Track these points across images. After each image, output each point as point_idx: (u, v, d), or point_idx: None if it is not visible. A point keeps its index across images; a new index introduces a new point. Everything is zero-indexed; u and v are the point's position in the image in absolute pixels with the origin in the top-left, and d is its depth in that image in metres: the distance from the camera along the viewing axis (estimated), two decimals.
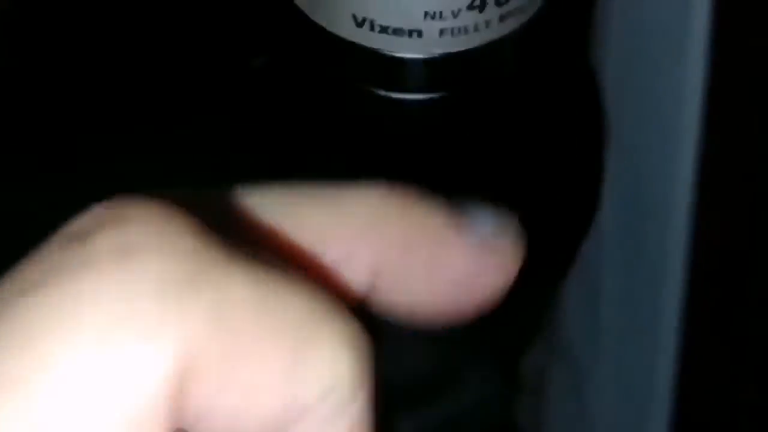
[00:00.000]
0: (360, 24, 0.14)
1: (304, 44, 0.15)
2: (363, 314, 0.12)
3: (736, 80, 0.34)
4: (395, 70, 0.15)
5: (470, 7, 0.13)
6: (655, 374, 0.40)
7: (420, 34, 0.14)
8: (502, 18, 0.14)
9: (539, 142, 0.22)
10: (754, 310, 0.38)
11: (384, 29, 0.14)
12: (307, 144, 0.19)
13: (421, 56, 0.14)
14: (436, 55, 0.14)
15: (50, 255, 0.11)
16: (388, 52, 0.14)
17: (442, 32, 0.14)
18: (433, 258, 0.13)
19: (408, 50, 0.14)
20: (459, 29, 0.14)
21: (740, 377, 0.39)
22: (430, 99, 0.15)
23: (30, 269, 0.11)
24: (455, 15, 0.14)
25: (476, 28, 0.14)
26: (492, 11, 0.14)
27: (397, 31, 0.14)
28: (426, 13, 0.14)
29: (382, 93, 0.15)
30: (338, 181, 0.13)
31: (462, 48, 0.14)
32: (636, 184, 0.38)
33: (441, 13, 0.14)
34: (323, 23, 0.14)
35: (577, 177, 0.25)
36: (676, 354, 0.40)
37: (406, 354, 0.21)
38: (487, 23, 0.14)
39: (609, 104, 0.35)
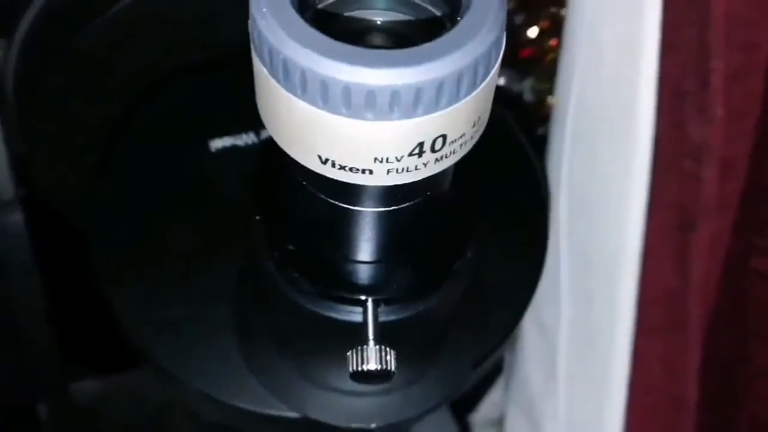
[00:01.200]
0: (324, 162, 0.18)
1: (286, 166, 0.19)
2: None
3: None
4: (350, 191, 0.19)
5: (410, 154, 0.17)
6: (605, 420, 0.43)
7: (371, 171, 0.18)
8: (437, 160, 0.18)
9: (484, 227, 0.26)
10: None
11: (342, 167, 0.18)
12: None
13: (371, 184, 0.18)
14: (387, 185, 0.18)
15: None
16: (345, 181, 0.18)
17: (388, 171, 0.17)
18: None
19: (361, 182, 0.18)
20: (402, 169, 0.17)
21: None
22: (383, 211, 0.19)
23: None
24: (398, 159, 0.17)
25: (416, 168, 0.17)
26: (428, 156, 0.17)
27: (353, 169, 0.18)
28: (375, 158, 0.17)
29: (344, 205, 0.19)
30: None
31: (404, 182, 0.18)
32: (589, 247, 0.42)
33: (387, 158, 0.17)
34: (298, 158, 0.18)
35: (520, 241, 0.29)
36: (626, 403, 0.42)
37: None
38: (425, 164, 0.17)
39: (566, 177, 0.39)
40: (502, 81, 0.52)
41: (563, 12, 0.47)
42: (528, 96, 0.53)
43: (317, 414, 0.26)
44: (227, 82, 0.34)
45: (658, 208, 0.38)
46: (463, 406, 0.52)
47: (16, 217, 0.46)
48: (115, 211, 0.33)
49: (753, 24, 0.35)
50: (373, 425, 0.26)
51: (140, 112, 0.35)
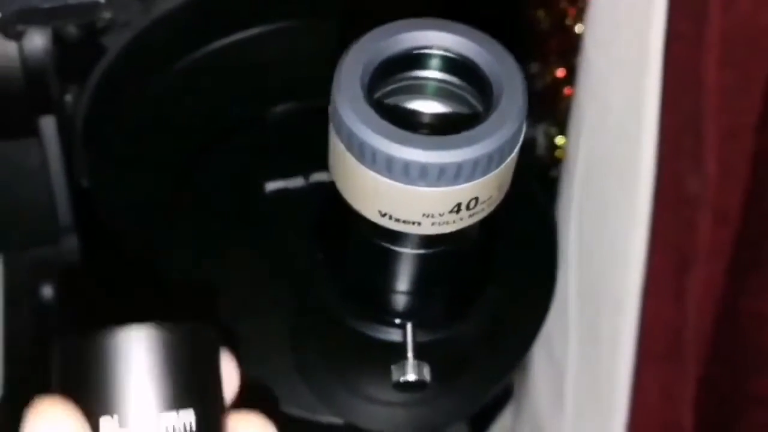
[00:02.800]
0: (383, 215, 0.23)
1: (347, 215, 0.24)
2: None
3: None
4: (399, 236, 0.24)
5: (450, 212, 0.22)
6: None
7: (419, 224, 0.23)
8: (470, 216, 0.22)
9: (504, 265, 0.31)
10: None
11: (397, 219, 0.23)
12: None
13: (418, 233, 0.23)
14: (430, 234, 0.22)
15: None
16: (398, 230, 0.23)
17: (432, 223, 0.22)
18: None
19: (410, 231, 0.23)
20: (442, 222, 0.22)
21: None
22: (424, 253, 0.24)
23: None
24: (441, 215, 0.22)
25: (454, 221, 0.22)
26: (464, 213, 0.22)
27: (405, 221, 0.23)
28: (423, 214, 0.22)
29: (395, 248, 0.24)
30: None
31: (443, 232, 0.22)
32: (595, 283, 0.46)
33: (432, 214, 0.22)
34: (362, 211, 0.23)
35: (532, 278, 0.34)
36: (626, 427, 0.46)
37: None
38: (461, 219, 0.22)
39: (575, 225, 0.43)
40: None
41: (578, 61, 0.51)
42: (541, 140, 0.57)
43: (358, 421, 0.31)
44: (281, 131, 0.39)
45: (658, 251, 0.42)
46: (476, 429, 0.55)
47: (72, 243, 0.51)
48: (187, 240, 0.38)
49: (742, 89, 0.39)
50: None
51: (204, 153, 0.40)
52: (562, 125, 0.53)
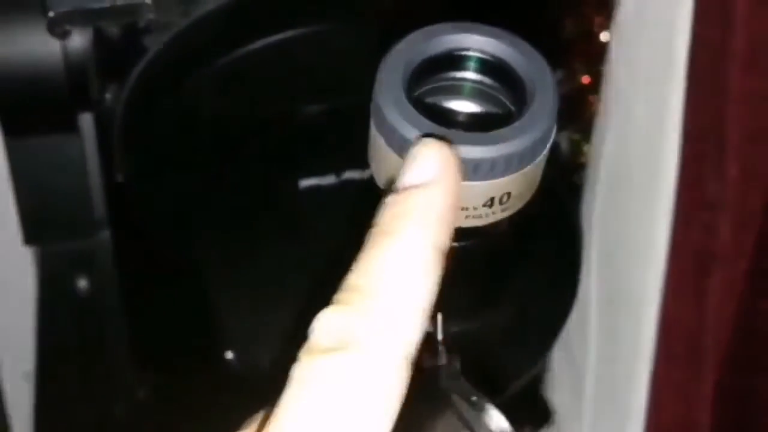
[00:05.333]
0: None
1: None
2: None
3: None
4: None
5: (483, 205, 0.23)
6: None
7: None
8: (502, 210, 0.23)
9: (530, 263, 0.32)
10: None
11: None
12: None
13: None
14: (463, 227, 0.24)
15: None
16: None
17: (466, 216, 0.23)
18: None
19: None
20: (477, 215, 0.23)
21: None
22: (456, 246, 0.25)
23: None
24: (475, 209, 0.23)
25: (487, 215, 0.23)
26: (496, 207, 0.23)
27: None
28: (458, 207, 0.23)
29: None
30: None
31: (479, 225, 0.24)
32: (616, 285, 0.46)
33: (467, 207, 0.23)
34: None
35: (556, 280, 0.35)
36: (644, 425, 0.47)
37: None
38: (494, 213, 0.23)
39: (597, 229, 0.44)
40: None
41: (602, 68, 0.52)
42: (565, 146, 0.58)
43: None
44: (313, 130, 0.41)
45: (678, 254, 0.43)
46: None
47: (106, 235, 0.52)
48: (223, 233, 0.39)
49: (765, 96, 0.40)
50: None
51: (238, 152, 0.41)
52: (586, 131, 0.54)
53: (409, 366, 0.18)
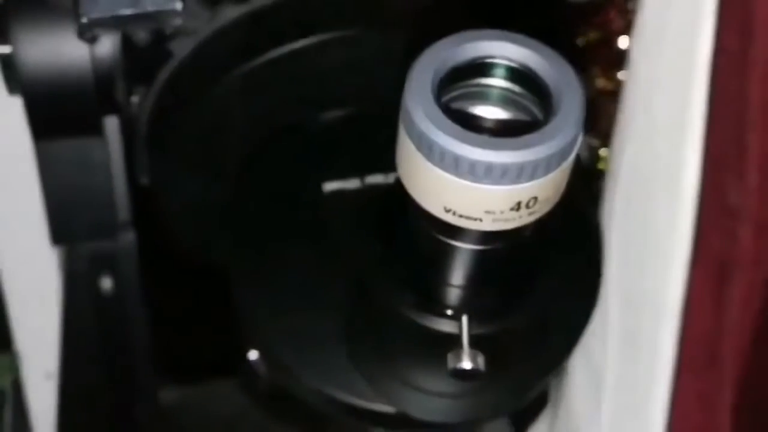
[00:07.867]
0: (447, 211, 0.25)
1: (411, 211, 0.25)
2: None
3: None
4: (460, 232, 0.26)
5: (510, 209, 0.24)
6: None
7: (481, 220, 0.24)
8: (529, 214, 0.24)
9: (552, 267, 0.32)
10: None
11: (461, 216, 0.24)
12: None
13: (479, 229, 0.24)
14: (490, 230, 0.24)
15: None
16: (460, 225, 0.25)
17: (493, 220, 0.24)
18: None
19: (472, 227, 0.25)
20: (504, 219, 0.24)
21: None
22: (482, 249, 0.26)
23: None
24: (502, 213, 0.24)
25: (514, 219, 0.24)
26: (523, 211, 0.24)
27: (468, 218, 0.24)
28: (486, 211, 0.24)
29: (455, 243, 0.26)
30: None
31: (503, 228, 0.24)
32: (636, 291, 0.47)
33: (494, 211, 0.24)
34: (427, 207, 0.25)
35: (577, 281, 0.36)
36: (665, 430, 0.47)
37: None
38: (520, 217, 0.24)
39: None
40: None
41: (620, 75, 0.52)
42: (583, 152, 0.58)
43: (409, 410, 0.33)
44: (336, 135, 0.41)
45: (699, 261, 0.43)
46: None
47: (130, 237, 0.53)
48: (248, 235, 0.40)
49: None
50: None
51: (262, 156, 0.42)
52: (604, 137, 0.54)
53: None
